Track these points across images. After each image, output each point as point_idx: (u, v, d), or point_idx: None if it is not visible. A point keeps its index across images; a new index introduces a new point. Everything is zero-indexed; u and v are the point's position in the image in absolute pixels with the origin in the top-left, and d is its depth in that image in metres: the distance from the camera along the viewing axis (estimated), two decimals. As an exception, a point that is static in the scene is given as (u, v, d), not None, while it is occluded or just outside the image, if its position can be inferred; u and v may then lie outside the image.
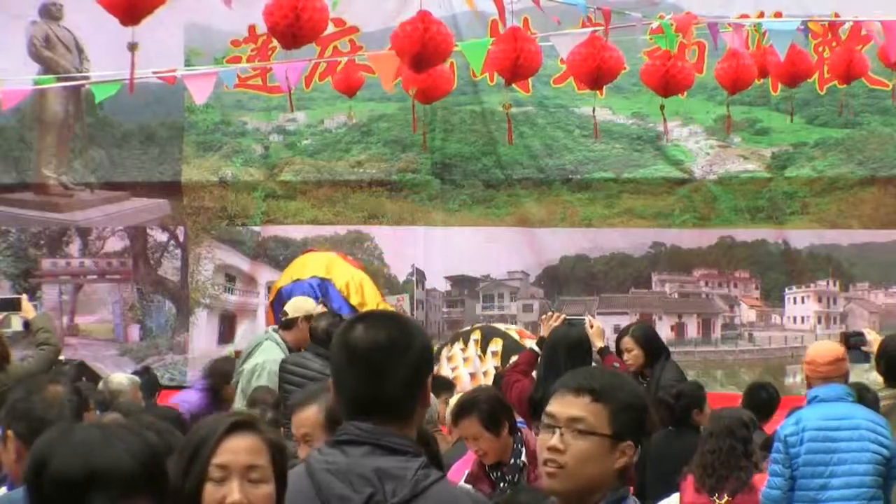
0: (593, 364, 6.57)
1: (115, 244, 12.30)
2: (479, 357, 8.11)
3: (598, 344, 6.72)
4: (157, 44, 9.74)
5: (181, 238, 12.15)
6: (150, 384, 7.80)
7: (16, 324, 6.79)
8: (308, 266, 9.65)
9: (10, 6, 11.86)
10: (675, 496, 5.74)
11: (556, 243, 11.66)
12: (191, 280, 12.09)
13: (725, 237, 11.48)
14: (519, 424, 6.04)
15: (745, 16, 8.86)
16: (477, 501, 2.85)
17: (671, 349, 7.61)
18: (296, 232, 11.87)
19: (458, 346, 8.44)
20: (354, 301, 9.28)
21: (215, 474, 2.39)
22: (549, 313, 7.08)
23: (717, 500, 5.70)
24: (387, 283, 11.72)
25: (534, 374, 6.51)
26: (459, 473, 5.13)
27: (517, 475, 5.03)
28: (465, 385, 8.40)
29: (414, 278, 11.77)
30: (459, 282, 11.87)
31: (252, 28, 11.12)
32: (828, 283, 11.40)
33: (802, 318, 11.45)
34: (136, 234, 12.25)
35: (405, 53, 5.32)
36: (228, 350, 10.84)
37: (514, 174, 11.56)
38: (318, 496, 2.55)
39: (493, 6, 5.55)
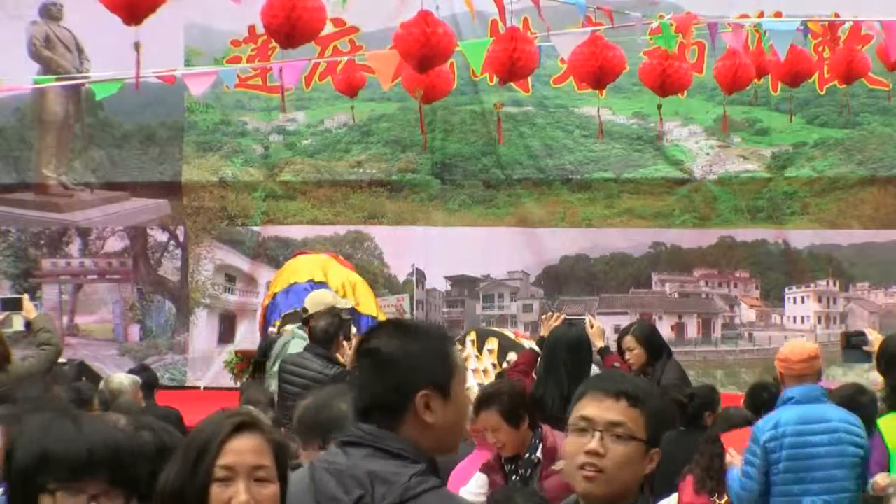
0: (593, 364, 6.58)
1: (115, 244, 12.31)
2: (476, 356, 8.11)
3: (598, 344, 6.72)
4: (157, 44, 9.73)
5: (181, 238, 12.16)
6: (148, 383, 7.78)
7: (17, 324, 6.78)
8: (302, 269, 9.63)
9: (10, 6, 11.87)
10: (674, 496, 5.74)
11: (556, 243, 11.66)
12: (191, 280, 12.09)
13: (725, 237, 11.49)
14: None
15: (745, 16, 8.85)
16: None
17: (671, 349, 7.61)
18: (296, 232, 11.87)
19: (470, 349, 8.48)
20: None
21: (221, 475, 2.39)
22: (550, 313, 7.08)
23: (718, 501, 5.70)
24: (387, 283, 11.73)
25: (534, 374, 6.50)
26: (464, 472, 5.13)
27: (531, 470, 5.05)
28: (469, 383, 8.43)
29: (414, 278, 11.78)
30: (459, 282, 11.88)
31: (252, 28, 11.12)
32: (828, 283, 11.40)
33: (802, 318, 11.45)
34: (136, 234, 12.25)
35: (409, 54, 5.33)
36: (228, 351, 10.82)
37: (514, 174, 11.57)
38: (313, 495, 2.58)
39: (494, 6, 5.55)
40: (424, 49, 5.24)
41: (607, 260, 11.73)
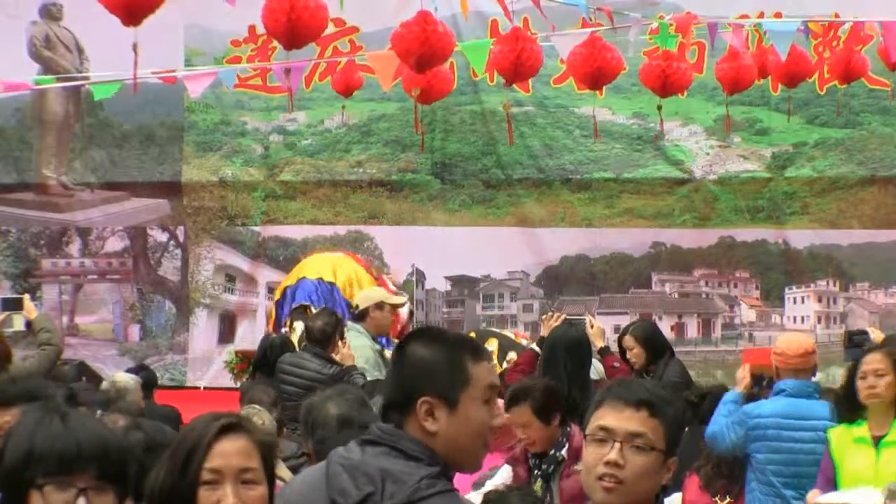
0: (592, 364, 6.57)
1: (115, 244, 12.31)
2: None
3: (598, 344, 6.72)
4: (157, 44, 9.73)
5: (181, 238, 12.15)
6: (147, 383, 7.78)
7: (18, 323, 6.78)
8: (315, 267, 9.59)
9: (10, 6, 11.86)
10: (678, 495, 5.74)
11: (556, 243, 11.66)
12: (191, 280, 12.09)
13: (725, 237, 11.49)
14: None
15: (745, 16, 8.86)
16: None
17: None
18: (296, 232, 11.88)
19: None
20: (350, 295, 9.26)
21: (208, 478, 2.40)
22: (550, 313, 7.08)
23: (720, 501, 5.71)
24: (387, 284, 11.72)
25: (534, 374, 6.51)
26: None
27: (553, 467, 5.07)
28: None
29: (414, 278, 11.78)
30: (459, 282, 11.88)
31: (252, 28, 11.12)
32: (828, 283, 11.40)
33: (802, 318, 11.45)
34: (136, 234, 12.25)
35: (407, 54, 5.33)
36: (228, 351, 10.81)
37: (514, 174, 11.56)
38: (326, 489, 2.59)
39: (494, 6, 5.56)
40: (423, 49, 5.24)
41: (607, 260, 11.73)
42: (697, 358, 11.46)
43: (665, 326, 11.51)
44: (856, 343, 6.68)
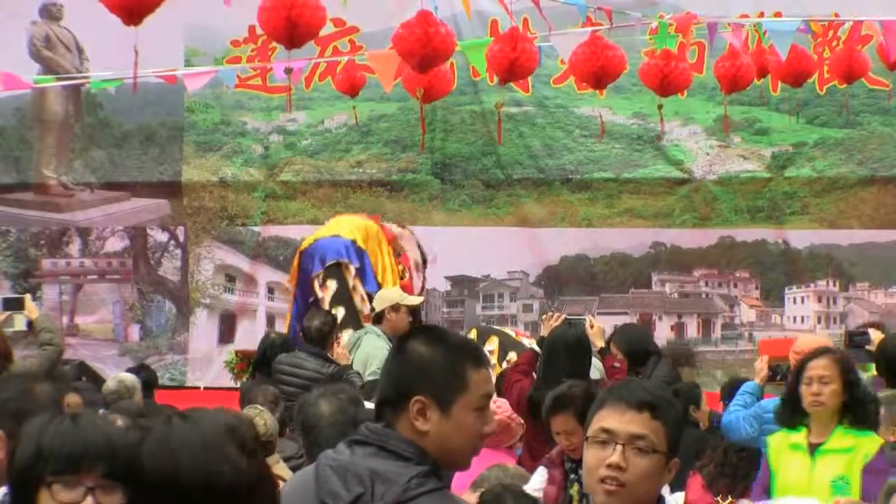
0: (592, 364, 6.58)
1: (115, 244, 12.30)
2: None
3: (598, 344, 6.72)
4: (157, 44, 9.74)
5: (181, 238, 12.15)
6: (147, 382, 7.80)
7: (19, 323, 6.77)
8: (349, 227, 9.22)
9: (10, 6, 11.86)
10: (680, 494, 5.74)
11: (556, 243, 11.66)
12: (191, 280, 12.09)
13: (725, 237, 11.49)
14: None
15: (745, 16, 8.86)
16: None
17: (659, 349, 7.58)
18: (296, 232, 11.85)
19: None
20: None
21: None
22: (550, 313, 7.08)
23: (721, 501, 5.71)
24: (387, 283, 11.71)
25: (534, 374, 6.51)
26: (469, 471, 5.13)
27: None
28: None
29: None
30: (459, 282, 11.87)
31: (252, 28, 11.11)
32: (828, 283, 11.41)
33: (802, 318, 11.45)
34: (136, 234, 12.25)
35: (408, 54, 5.33)
36: (228, 351, 10.80)
37: (514, 174, 11.57)
38: (316, 491, 2.58)
39: (494, 6, 5.56)
40: (424, 49, 5.24)
41: (607, 260, 11.73)
42: (697, 358, 11.46)
43: (665, 326, 11.53)
44: (856, 344, 6.67)
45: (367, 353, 7.65)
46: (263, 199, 11.91)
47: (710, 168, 11.38)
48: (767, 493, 5.04)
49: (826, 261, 11.42)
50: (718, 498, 5.73)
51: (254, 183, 11.92)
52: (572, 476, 5.04)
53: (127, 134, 12.12)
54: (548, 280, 11.78)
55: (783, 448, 5.09)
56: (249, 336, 11.28)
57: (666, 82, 6.21)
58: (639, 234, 11.60)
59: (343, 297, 8.66)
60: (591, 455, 2.59)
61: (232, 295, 12.13)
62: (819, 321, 11.37)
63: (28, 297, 7.06)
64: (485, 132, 11.56)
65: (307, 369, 7.19)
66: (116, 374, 7.61)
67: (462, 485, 5.05)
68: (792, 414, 5.05)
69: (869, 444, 4.81)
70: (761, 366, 6.04)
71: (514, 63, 5.71)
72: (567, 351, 6.22)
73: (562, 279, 11.74)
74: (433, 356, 2.65)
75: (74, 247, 12.34)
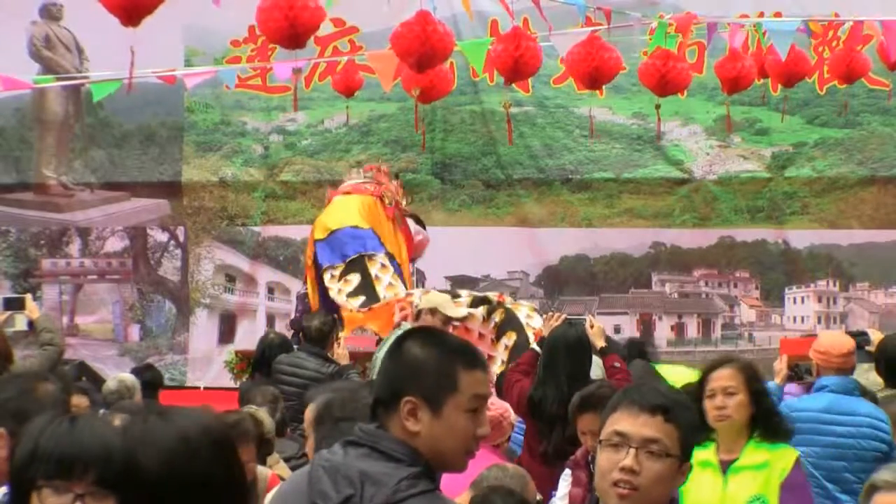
0: (592, 364, 6.57)
1: (115, 244, 12.30)
2: (493, 341, 8.06)
3: (598, 343, 6.71)
4: (157, 44, 9.75)
5: (181, 238, 12.15)
6: (152, 383, 7.80)
7: (20, 323, 6.77)
8: (356, 213, 9.18)
9: (10, 6, 11.86)
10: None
11: (556, 243, 11.66)
12: (191, 280, 12.09)
13: (725, 237, 11.49)
14: (518, 424, 6.05)
15: (745, 16, 8.86)
16: None
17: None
18: (296, 232, 11.86)
19: (480, 313, 8.26)
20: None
21: None
22: (550, 313, 7.07)
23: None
24: (387, 283, 11.71)
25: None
26: (473, 468, 5.13)
27: None
28: None
29: (414, 278, 11.77)
30: (459, 282, 11.86)
31: (252, 28, 11.10)
32: (828, 283, 11.41)
33: (802, 318, 11.46)
34: (136, 234, 12.25)
35: (407, 54, 5.33)
36: (228, 351, 10.80)
37: (514, 174, 11.57)
38: (308, 492, 2.58)
39: (494, 6, 5.56)
40: (423, 49, 5.24)
41: (607, 260, 11.73)
42: (697, 358, 11.45)
43: (665, 326, 11.52)
44: (856, 344, 6.67)
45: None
46: (263, 199, 11.91)
47: (710, 168, 11.38)
48: None
49: (826, 261, 11.42)
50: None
51: (254, 183, 11.92)
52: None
53: (127, 134, 12.12)
54: (548, 280, 11.78)
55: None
56: (249, 336, 11.27)
57: (665, 82, 6.21)
58: (639, 234, 11.60)
59: (366, 286, 8.58)
60: (604, 458, 2.58)
61: (232, 295, 12.13)
62: (819, 321, 11.37)
63: (29, 296, 7.06)
64: (485, 132, 11.56)
65: (307, 369, 7.19)
66: (116, 375, 7.61)
67: (461, 485, 5.06)
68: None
69: (784, 457, 4.43)
70: (781, 366, 6.01)
71: (517, 62, 5.71)
72: (567, 351, 6.20)
73: (562, 279, 11.74)
74: (425, 357, 2.65)
75: (74, 247, 12.34)
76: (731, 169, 11.35)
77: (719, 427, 4.44)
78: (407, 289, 8.71)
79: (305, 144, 11.96)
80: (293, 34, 4.79)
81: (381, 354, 7.45)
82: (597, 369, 6.52)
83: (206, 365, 11.88)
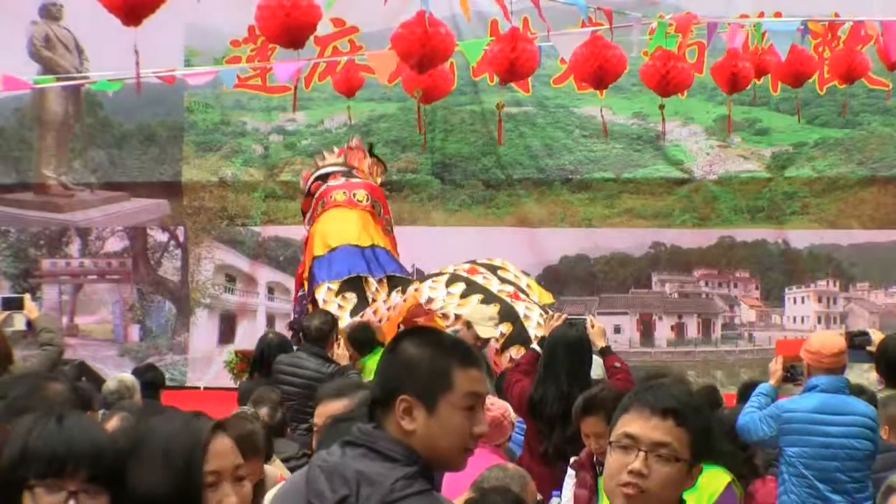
0: (593, 364, 6.57)
1: (115, 244, 12.31)
2: (497, 351, 8.09)
3: (599, 344, 6.70)
4: (157, 44, 9.74)
5: (181, 238, 12.16)
6: (154, 383, 7.79)
7: (19, 323, 6.77)
8: (355, 229, 9.19)
9: (10, 6, 11.87)
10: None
11: (556, 243, 11.67)
12: (191, 280, 12.10)
13: (725, 237, 11.50)
14: (518, 424, 6.04)
15: (745, 16, 8.86)
16: None
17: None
18: (296, 232, 11.84)
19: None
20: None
21: (210, 480, 2.39)
22: (551, 313, 7.07)
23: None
24: (387, 283, 11.71)
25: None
26: (462, 473, 5.13)
27: None
28: None
29: (414, 278, 11.76)
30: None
31: (251, 28, 11.10)
32: (828, 283, 11.41)
33: (802, 318, 11.46)
34: (136, 234, 12.25)
35: (407, 54, 5.32)
36: (228, 351, 10.81)
37: (514, 174, 11.57)
38: (306, 492, 2.59)
39: (494, 6, 5.56)
40: (424, 49, 5.23)
41: (607, 260, 11.73)
42: (697, 358, 11.47)
43: (665, 326, 11.52)
44: (857, 344, 6.65)
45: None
46: (263, 199, 11.91)
47: (710, 168, 11.39)
48: None
49: (826, 261, 11.42)
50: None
51: (254, 183, 11.93)
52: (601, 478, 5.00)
53: (127, 134, 12.12)
54: (548, 280, 11.77)
55: None
56: (249, 336, 11.27)
57: (666, 82, 6.21)
58: (639, 234, 11.61)
59: (362, 309, 8.64)
60: (613, 459, 2.57)
61: (232, 295, 12.13)
62: (819, 321, 11.37)
63: (27, 296, 7.06)
64: (485, 132, 11.57)
65: (307, 369, 7.18)
66: (116, 375, 7.61)
67: (463, 485, 5.06)
68: None
69: (714, 481, 4.26)
70: (776, 367, 6.01)
71: (514, 63, 5.70)
72: (567, 351, 6.20)
73: (562, 279, 11.73)
74: (419, 355, 2.64)
75: (74, 247, 12.34)
76: (731, 169, 11.36)
77: None
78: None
79: (305, 144, 11.96)
80: (292, 34, 4.79)
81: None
82: (597, 369, 6.51)
83: (206, 365, 11.89)
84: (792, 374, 5.99)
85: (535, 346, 6.80)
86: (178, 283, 12.19)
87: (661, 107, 6.66)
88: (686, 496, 3.28)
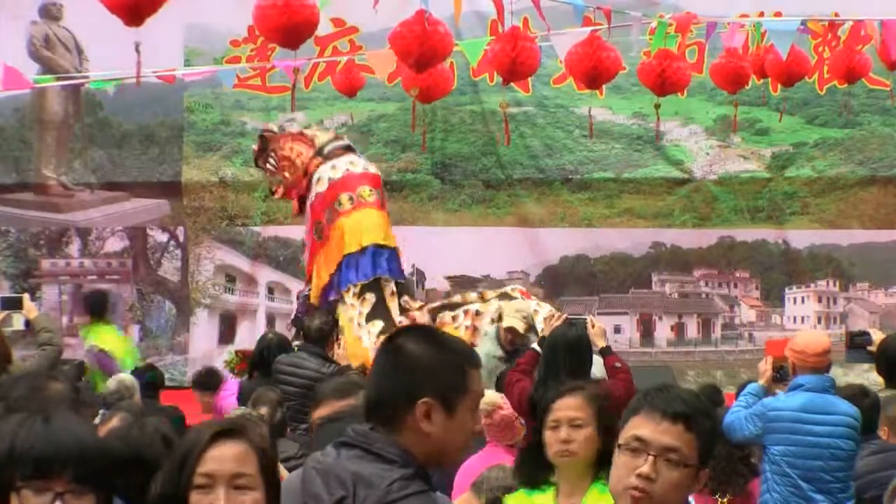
0: (593, 364, 6.57)
1: (115, 244, 12.31)
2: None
3: (599, 343, 6.70)
4: (157, 44, 9.74)
5: (181, 238, 12.15)
6: (153, 383, 7.80)
7: (17, 323, 6.78)
8: (375, 230, 9.10)
9: (10, 6, 11.87)
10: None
11: (556, 243, 11.67)
12: (191, 280, 12.09)
13: (725, 237, 11.50)
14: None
15: (745, 16, 8.86)
16: None
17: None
18: (296, 232, 11.84)
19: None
20: None
21: (201, 482, 2.39)
22: (551, 313, 7.07)
23: (721, 500, 5.71)
24: (387, 284, 11.71)
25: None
26: (473, 469, 5.12)
27: None
28: None
29: (414, 278, 11.77)
30: (459, 282, 11.86)
31: (251, 28, 11.10)
32: (828, 283, 11.41)
33: (802, 318, 11.46)
34: (136, 234, 12.25)
35: (406, 54, 5.32)
36: (228, 351, 10.81)
37: (514, 174, 11.57)
38: (301, 493, 2.58)
39: (493, 6, 5.55)
40: (422, 49, 5.23)
41: (607, 260, 11.73)
42: (697, 358, 11.47)
43: (665, 326, 11.53)
44: (857, 344, 6.65)
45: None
46: (263, 199, 11.90)
47: (710, 168, 11.39)
48: None
49: (826, 261, 11.42)
50: (718, 496, 5.73)
51: (254, 183, 11.92)
52: None
53: (127, 134, 12.12)
54: (548, 280, 11.78)
55: None
56: (249, 336, 11.29)
57: (664, 81, 6.21)
58: (639, 234, 11.61)
59: (380, 311, 8.61)
60: (621, 461, 2.56)
61: (232, 295, 12.13)
62: (819, 321, 11.37)
63: (26, 296, 7.07)
64: (485, 132, 11.57)
65: (308, 369, 7.18)
66: (116, 375, 7.61)
67: (461, 485, 5.06)
68: (535, 468, 3.83)
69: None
70: (765, 367, 6.01)
71: (514, 62, 5.70)
72: (568, 351, 6.20)
73: (562, 279, 11.74)
74: (439, 357, 2.64)
75: (74, 247, 12.34)
76: (731, 169, 11.36)
77: (561, 465, 3.76)
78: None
79: (305, 144, 11.95)
80: (291, 34, 4.79)
81: None
82: (597, 369, 6.51)
83: (206, 365, 11.87)
84: (781, 374, 6.00)
85: (535, 345, 6.81)
86: (178, 284, 12.19)
87: (657, 106, 6.66)
88: None
